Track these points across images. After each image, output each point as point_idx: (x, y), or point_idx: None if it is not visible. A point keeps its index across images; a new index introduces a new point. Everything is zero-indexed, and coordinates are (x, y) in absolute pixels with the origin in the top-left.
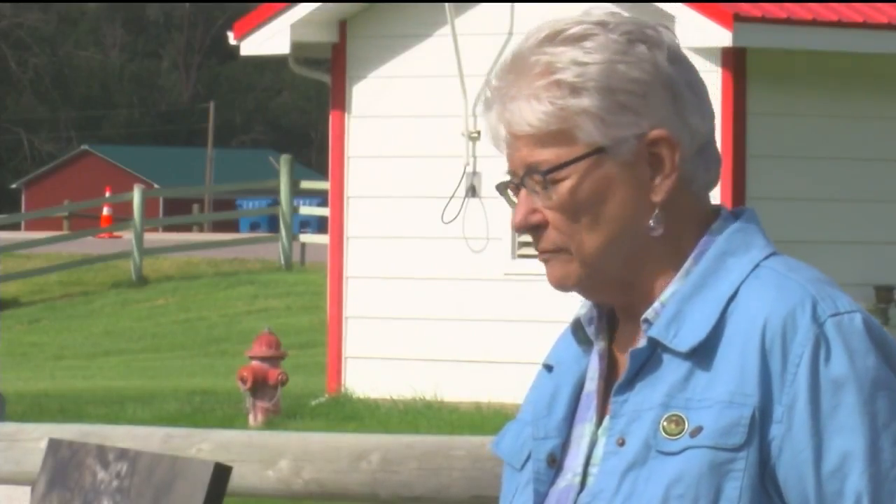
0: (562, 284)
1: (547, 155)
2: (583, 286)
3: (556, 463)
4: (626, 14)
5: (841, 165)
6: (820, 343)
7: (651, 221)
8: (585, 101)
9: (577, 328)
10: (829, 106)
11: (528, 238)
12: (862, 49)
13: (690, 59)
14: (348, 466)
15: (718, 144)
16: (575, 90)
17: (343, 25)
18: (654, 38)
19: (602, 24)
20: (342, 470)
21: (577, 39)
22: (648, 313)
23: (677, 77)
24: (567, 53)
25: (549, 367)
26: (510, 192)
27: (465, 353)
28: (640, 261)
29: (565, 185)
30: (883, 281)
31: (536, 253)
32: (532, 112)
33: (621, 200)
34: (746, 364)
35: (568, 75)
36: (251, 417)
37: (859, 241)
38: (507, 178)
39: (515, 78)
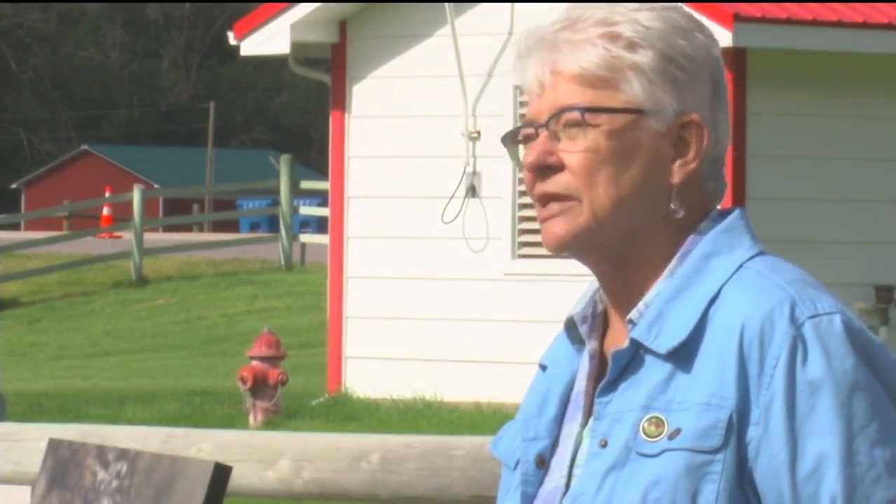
0: (563, 240)
1: (582, 97)
2: (583, 244)
3: (544, 464)
4: None
5: (841, 165)
6: (797, 345)
7: (672, 204)
8: (640, 58)
9: (571, 327)
10: (829, 106)
11: (528, 238)
12: (862, 49)
13: None
14: (348, 466)
15: None
16: (631, 45)
17: (343, 25)
18: (711, 35)
19: (662, 6)
20: (342, 470)
21: (638, 9)
22: (633, 314)
23: (721, 80)
24: (628, 13)
25: (543, 367)
26: (520, 148)
27: (465, 353)
28: (639, 238)
29: (598, 131)
30: (883, 281)
31: (535, 203)
32: (585, 54)
33: (642, 168)
34: (725, 366)
35: (627, 30)
36: (251, 417)
37: (859, 241)
38: (513, 134)
39: (568, 25)
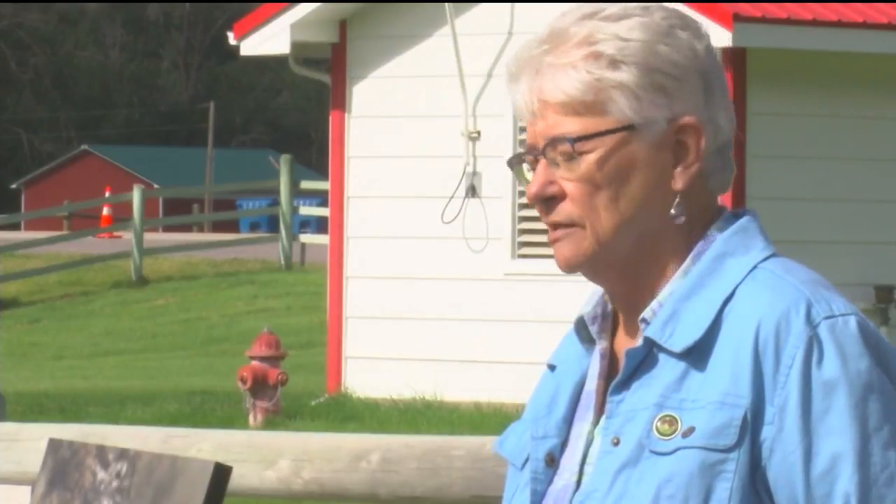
0: (571, 263)
1: (575, 125)
2: (592, 266)
3: (554, 462)
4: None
5: (841, 165)
6: (813, 345)
7: (673, 210)
8: (623, 76)
9: (581, 327)
10: (829, 106)
11: (528, 238)
12: (862, 49)
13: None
14: (348, 466)
15: None
16: (614, 63)
17: (343, 25)
18: (696, 28)
19: (644, 8)
20: (342, 470)
21: (619, 18)
22: (646, 313)
23: (713, 71)
24: (609, 28)
25: (552, 367)
26: (525, 168)
27: (465, 353)
28: (649, 247)
29: (591, 157)
30: (883, 281)
31: (547, 229)
32: (568, 80)
33: (642, 182)
34: (740, 365)
35: (608, 48)
36: (251, 417)
37: (859, 241)
38: (518, 158)
39: (551, 48)
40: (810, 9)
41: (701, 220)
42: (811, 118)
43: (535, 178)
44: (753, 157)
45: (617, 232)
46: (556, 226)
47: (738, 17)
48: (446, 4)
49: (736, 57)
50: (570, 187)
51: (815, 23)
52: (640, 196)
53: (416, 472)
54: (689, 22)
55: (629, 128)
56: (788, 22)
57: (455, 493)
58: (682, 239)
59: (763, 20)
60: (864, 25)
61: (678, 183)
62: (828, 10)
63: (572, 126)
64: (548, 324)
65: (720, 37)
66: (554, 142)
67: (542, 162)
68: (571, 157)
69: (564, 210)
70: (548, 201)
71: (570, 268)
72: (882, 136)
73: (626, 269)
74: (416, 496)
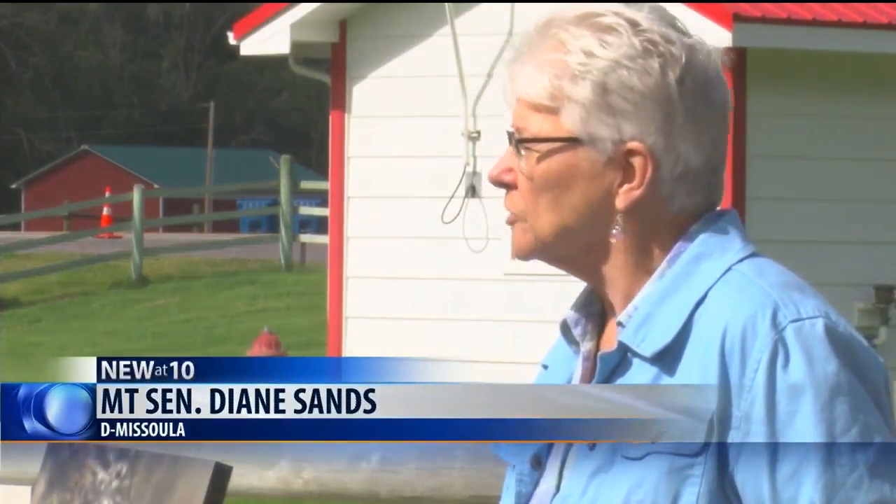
0: (518, 253)
1: (531, 122)
2: (539, 258)
3: (540, 465)
4: (667, 21)
5: (841, 165)
6: (778, 349)
7: (614, 228)
8: (578, 90)
9: (566, 330)
10: (829, 106)
11: None
12: (862, 49)
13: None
14: (348, 466)
15: None
16: (573, 77)
17: (343, 25)
18: (673, 56)
19: (632, 24)
20: (342, 470)
21: (602, 30)
22: (622, 316)
23: (679, 100)
24: (583, 39)
25: (545, 367)
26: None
27: (465, 353)
28: (605, 252)
29: (535, 157)
30: (883, 281)
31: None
32: (531, 81)
33: (583, 194)
34: (707, 370)
35: (573, 60)
36: None
37: (859, 241)
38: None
39: (535, 42)
40: (810, 9)
41: (666, 230)
42: (811, 118)
43: (499, 161)
44: (753, 157)
45: (555, 234)
46: (507, 209)
47: (738, 17)
48: (446, 4)
49: (736, 57)
50: (520, 180)
51: (815, 23)
52: (581, 207)
53: (417, 473)
54: (668, 49)
55: (573, 140)
56: (788, 22)
57: (455, 493)
58: (645, 247)
59: (763, 20)
60: (864, 25)
61: (620, 202)
62: (828, 10)
63: (530, 122)
64: (548, 323)
65: (720, 37)
66: (513, 133)
67: (510, 149)
68: (520, 152)
69: (514, 200)
70: (506, 186)
71: (518, 256)
72: (882, 136)
73: (584, 268)
74: (416, 496)
